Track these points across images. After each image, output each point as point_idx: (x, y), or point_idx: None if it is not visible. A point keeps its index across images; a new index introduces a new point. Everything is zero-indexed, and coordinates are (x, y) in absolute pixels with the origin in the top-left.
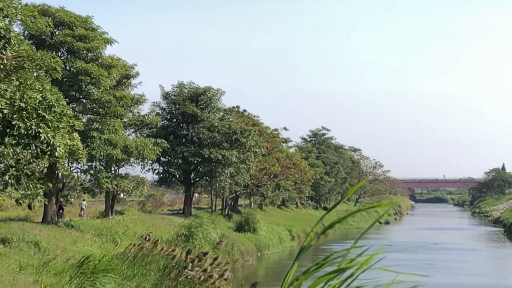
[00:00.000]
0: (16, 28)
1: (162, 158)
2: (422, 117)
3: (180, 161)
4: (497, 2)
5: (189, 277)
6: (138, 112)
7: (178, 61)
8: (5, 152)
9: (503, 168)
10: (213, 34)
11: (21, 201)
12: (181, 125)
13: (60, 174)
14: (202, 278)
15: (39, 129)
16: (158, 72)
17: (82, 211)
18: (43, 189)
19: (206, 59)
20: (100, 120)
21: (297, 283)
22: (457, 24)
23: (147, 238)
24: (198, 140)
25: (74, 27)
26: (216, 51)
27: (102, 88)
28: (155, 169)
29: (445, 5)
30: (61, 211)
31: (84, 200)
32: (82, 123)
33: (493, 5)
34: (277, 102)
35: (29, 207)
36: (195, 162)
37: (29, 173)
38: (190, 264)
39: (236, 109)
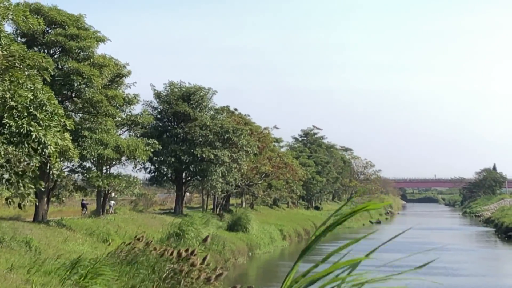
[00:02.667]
0: (8, 27)
1: (154, 158)
2: (413, 117)
3: (172, 160)
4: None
5: (176, 272)
6: (130, 112)
7: (169, 59)
8: None
9: (494, 168)
10: (202, 32)
11: (11, 201)
12: (173, 124)
13: (51, 173)
14: (188, 272)
15: (30, 128)
16: (151, 71)
17: (111, 208)
18: (35, 188)
19: (197, 58)
20: (92, 120)
21: (297, 285)
22: (447, 22)
23: (139, 239)
24: (190, 139)
25: (66, 26)
26: (206, 50)
27: (93, 87)
28: (147, 168)
29: (435, 3)
30: (84, 209)
31: (112, 200)
32: (73, 123)
33: (480, 3)
34: (268, 102)
35: (19, 206)
36: (187, 161)
37: (20, 172)
38: (176, 260)
39: (227, 108)
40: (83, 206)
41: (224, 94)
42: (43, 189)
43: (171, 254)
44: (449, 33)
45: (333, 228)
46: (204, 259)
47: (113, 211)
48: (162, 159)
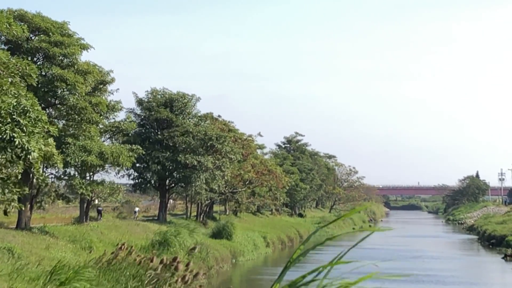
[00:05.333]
0: None
1: (137, 164)
2: (397, 124)
3: (155, 167)
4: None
5: (158, 279)
6: (113, 118)
7: (152, 67)
8: None
9: (477, 175)
10: (187, 40)
11: None
12: (156, 130)
13: (35, 180)
14: (169, 277)
15: (13, 134)
16: (135, 78)
17: (135, 214)
18: (19, 193)
19: (183, 65)
20: (75, 126)
21: None
22: (435, 28)
23: (121, 247)
24: (173, 146)
25: (50, 33)
26: (193, 57)
27: (77, 94)
28: (130, 175)
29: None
30: (99, 215)
31: (137, 208)
32: (57, 129)
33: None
34: (252, 109)
35: (5, 213)
36: (170, 168)
37: (5, 177)
38: (159, 267)
39: (211, 115)
40: (99, 212)
41: (211, 101)
42: (26, 196)
43: (152, 260)
44: (438, 39)
45: (313, 248)
46: (187, 265)
47: (137, 218)
48: (146, 166)
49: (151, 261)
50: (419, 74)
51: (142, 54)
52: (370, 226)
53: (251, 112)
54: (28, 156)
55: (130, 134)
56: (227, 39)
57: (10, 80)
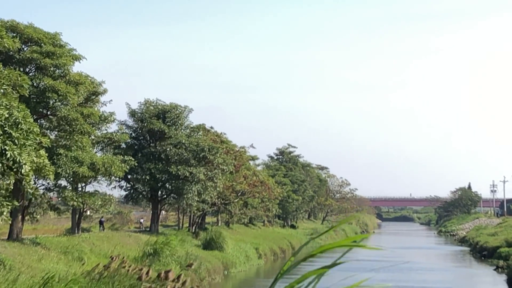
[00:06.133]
0: None
1: (129, 175)
2: (389, 136)
3: (147, 178)
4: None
5: None
6: (106, 130)
7: (146, 78)
8: None
9: (469, 187)
10: (180, 51)
11: None
12: (149, 142)
13: (26, 192)
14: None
15: (5, 147)
16: (128, 90)
17: (141, 225)
18: (9, 206)
19: (177, 77)
20: (67, 137)
21: None
22: (417, 38)
23: (112, 257)
24: (165, 157)
25: (42, 44)
26: (188, 68)
27: (69, 105)
28: (122, 186)
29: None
30: (102, 226)
31: (142, 218)
32: (49, 140)
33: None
34: (246, 121)
35: None
36: (163, 179)
37: None
38: (149, 279)
39: (203, 126)
40: (101, 223)
41: (203, 112)
42: (17, 207)
43: (148, 273)
44: (427, 50)
45: (308, 257)
46: (179, 277)
47: (143, 228)
48: (137, 177)
49: (147, 274)
50: (409, 85)
51: (136, 65)
52: None
53: (244, 123)
54: (20, 169)
55: (122, 146)
56: (219, 51)
57: (2, 91)
